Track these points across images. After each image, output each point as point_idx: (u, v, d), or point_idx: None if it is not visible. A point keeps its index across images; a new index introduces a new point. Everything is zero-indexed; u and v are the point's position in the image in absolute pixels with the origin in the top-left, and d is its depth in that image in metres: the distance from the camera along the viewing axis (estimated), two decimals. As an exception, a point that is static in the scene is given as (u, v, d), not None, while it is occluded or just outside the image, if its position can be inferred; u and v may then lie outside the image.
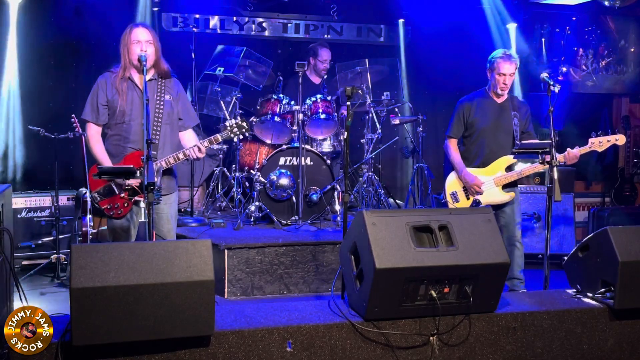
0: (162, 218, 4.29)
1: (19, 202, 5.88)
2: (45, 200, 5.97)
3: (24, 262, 5.85)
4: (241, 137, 4.41)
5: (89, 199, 4.40)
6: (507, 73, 4.99)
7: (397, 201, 7.34)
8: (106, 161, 4.19)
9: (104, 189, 4.18)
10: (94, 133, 4.27)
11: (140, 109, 4.19)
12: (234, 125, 4.34)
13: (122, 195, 4.17)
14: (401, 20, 7.99)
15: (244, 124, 4.35)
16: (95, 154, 4.24)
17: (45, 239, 5.92)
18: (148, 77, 4.14)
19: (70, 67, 6.78)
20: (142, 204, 4.24)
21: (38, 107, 6.72)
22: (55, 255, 5.68)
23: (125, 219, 4.24)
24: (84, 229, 5.66)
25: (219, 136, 4.27)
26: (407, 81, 8.00)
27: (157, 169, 4.10)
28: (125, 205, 4.19)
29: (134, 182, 4.12)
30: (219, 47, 6.86)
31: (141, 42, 4.15)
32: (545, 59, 8.05)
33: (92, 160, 4.30)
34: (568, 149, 4.80)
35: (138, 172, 3.96)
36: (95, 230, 5.32)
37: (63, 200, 5.94)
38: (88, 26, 6.57)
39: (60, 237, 5.81)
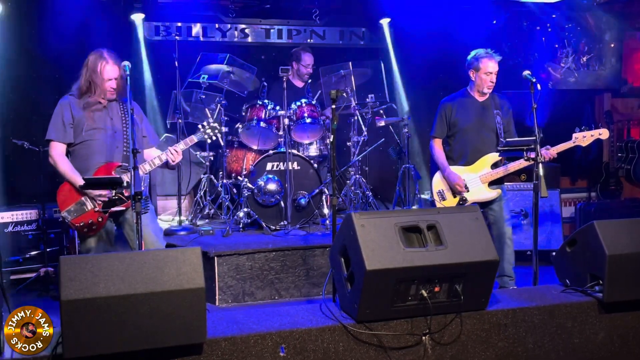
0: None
1: (5, 216, 5.82)
2: (31, 213, 5.92)
3: (12, 277, 5.79)
4: (214, 137, 4.64)
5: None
6: (493, 71, 5.03)
7: (385, 203, 7.36)
8: (78, 178, 4.18)
9: (76, 206, 4.16)
10: (59, 152, 4.30)
11: (109, 124, 4.32)
12: (207, 126, 4.57)
13: (97, 209, 4.15)
14: (386, 20, 7.97)
15: (216, 124, 4.60)
16: (64, 172, 4.25)
17: (32, 253, 5.87)
18: (113, 97, 4.35)
19: (53, 78, 6.73)
20: (127, 215, 4.26)
21: (22, 120, 6.67)
22: (44, 269, 5.63)
23: (99, 235, 4.25)
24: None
25: (194, 137, 4.47)
26: (391, 83, 8.01)
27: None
28: (100, 220, 4.17)
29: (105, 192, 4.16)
30: (202, 55, 6.85)
31: (112, 79, 4.30)
32: (526, 56, 8.10)
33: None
34: (542, 150, 4.77)
35: (125, 182, 3.96)
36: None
37: (50, 213, 5.90)
38: (71, 37, 6.52)
39: (48, 250, 5.78)
